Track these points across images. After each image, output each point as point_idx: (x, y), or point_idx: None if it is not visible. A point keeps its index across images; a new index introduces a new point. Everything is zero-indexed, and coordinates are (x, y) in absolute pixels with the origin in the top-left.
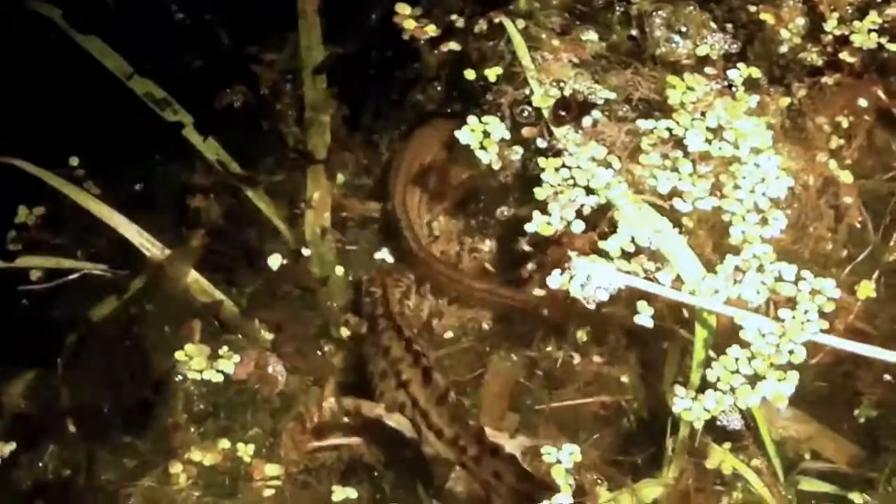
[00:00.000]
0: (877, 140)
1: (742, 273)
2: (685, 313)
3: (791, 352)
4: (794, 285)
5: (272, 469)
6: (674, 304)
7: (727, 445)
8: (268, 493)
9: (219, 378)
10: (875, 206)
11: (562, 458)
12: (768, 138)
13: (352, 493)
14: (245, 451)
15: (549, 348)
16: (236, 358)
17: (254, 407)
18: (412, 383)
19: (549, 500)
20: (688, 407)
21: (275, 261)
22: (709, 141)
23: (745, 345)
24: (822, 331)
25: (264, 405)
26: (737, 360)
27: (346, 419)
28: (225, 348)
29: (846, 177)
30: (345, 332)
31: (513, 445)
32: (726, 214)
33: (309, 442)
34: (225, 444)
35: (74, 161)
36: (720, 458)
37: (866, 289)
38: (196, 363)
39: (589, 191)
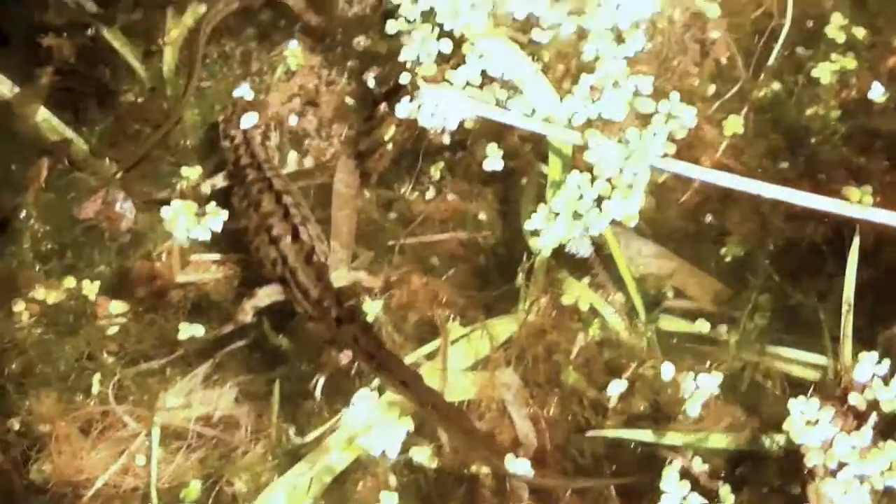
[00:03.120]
0: None
1: (599, 92)
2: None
3: (635, 174)
4: (652, 101)
5: (117, 307)
6: (533, 138)
7: (586, 281)
8: (112, 330)
9: (67, 217)
10: (746, 44)
11: None
12: None
13: (199, 330)
14: (90, 288)
15: (403, 188)
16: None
17: (101, 245)
18: (282, 239)
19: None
20: (538, 235)
21: (128, 99)
22: None
23: (588, 168)
24: (669, 155)
25: (112, 243)
26: (579, 186)
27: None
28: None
29: (713, 11)
30: (198, 171)
31: (370, 281)
32: (584, 44)
33: (157, 279)
34: (70, 282)
35: None
36: (577, 293)
37: (734, 124)
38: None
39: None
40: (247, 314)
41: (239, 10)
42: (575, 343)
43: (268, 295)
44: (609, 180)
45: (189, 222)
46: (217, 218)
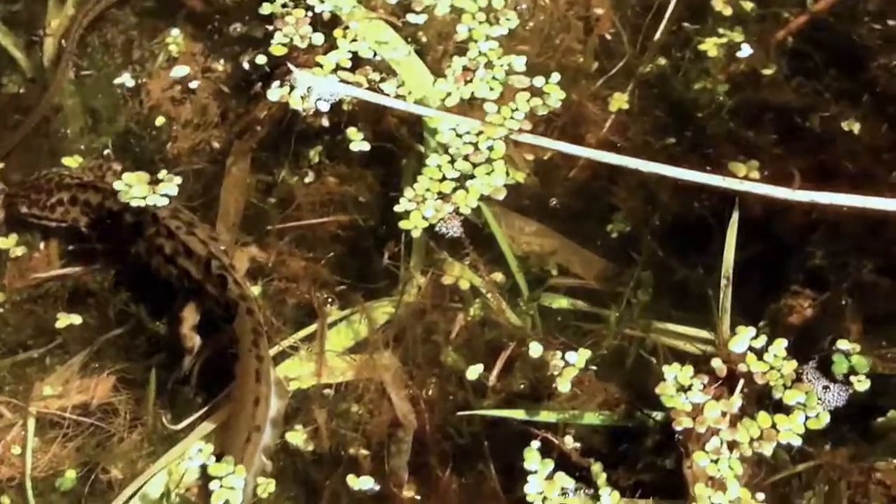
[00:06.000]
0: None
1: (472, 72)
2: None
3: (490, 148)
4: (527, 79)
5: None
6: (411, 119)
7: (467, 261)
8: None
9: None
10: (631, 20)
11: None
12: None
13: (76, 318)
14: None
15: (282, 172)
16: None
17: None
18: (178, 256)
19: None
20: (407, 216)
21: (8, 90)
22: None
23: (444, 148)
24: (526, 131)
25: None
26: (439, 166)
27: None
28: None
29: None
30: (78, 160)
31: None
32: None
33: (35, 271)
34: None
35: None
36: (457, 273)
37: (619, 100)
38: None
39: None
40: (193, 339)
41: None
42: (455, 323)
43: (191, 311)
44: (467, 158)
45: (143, 191)
46: (172, 185)
